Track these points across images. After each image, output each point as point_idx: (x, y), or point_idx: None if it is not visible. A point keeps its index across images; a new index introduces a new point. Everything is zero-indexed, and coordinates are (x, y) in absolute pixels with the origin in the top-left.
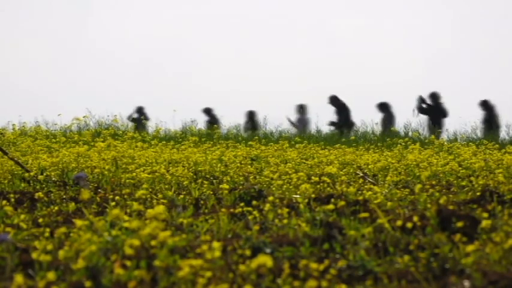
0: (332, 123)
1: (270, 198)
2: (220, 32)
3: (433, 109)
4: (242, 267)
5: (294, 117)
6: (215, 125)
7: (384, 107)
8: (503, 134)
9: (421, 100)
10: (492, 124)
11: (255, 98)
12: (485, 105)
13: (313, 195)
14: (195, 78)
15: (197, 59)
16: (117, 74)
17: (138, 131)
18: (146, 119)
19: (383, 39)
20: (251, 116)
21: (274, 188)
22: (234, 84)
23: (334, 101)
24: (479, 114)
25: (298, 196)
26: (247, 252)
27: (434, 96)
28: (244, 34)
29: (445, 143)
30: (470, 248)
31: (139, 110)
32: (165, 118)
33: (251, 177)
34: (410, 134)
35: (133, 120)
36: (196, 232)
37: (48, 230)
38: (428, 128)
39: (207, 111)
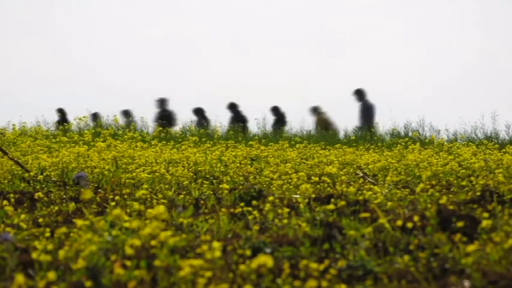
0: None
1: (270, 198)
2: (219, 27)
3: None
4: (242, 267)
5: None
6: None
7: (232, 107)
8: (503, 134)
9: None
10: (281, 126)
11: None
12: (276, 111)
13: (313, 195)
14: (195, 78)
15: (197, 58)
16: (117, 73)
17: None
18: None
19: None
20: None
21: (274, 188)
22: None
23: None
24: (271, 118)
25: (298, 196)
26: (247, 252)
27: (233, 105)
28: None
29: (445, 143)
30: (470, 248)
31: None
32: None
33: (251, 177)
34: (410, 134)
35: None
36: (196, 232)
37: (48, 230)
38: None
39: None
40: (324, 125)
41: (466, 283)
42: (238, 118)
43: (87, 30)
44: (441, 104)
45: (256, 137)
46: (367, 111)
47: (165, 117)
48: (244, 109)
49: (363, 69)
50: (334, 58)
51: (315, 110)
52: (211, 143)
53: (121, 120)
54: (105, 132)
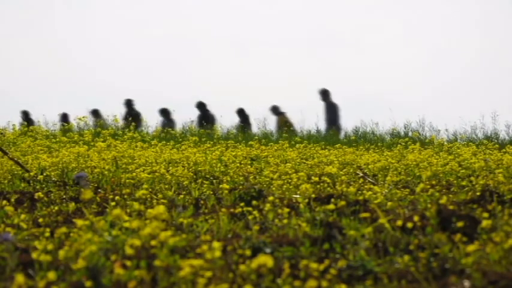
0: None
1: (270, 198)
2: (219, 27)
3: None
4: (242, 267)
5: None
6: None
7: (200, 106)
8: (503, 134)
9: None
10: (246, 128)
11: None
12: (241, 113)
13: (313, 195)
14: (195, 78)
15: (197, 58)
16: (117, 73)
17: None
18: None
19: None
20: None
21: (274, 188)
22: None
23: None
24: (235, 120)
25: (298, 196)
26: (247, 252)
27: (200, 105)
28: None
29: (445, 143)
30: (470, 248)
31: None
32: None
33: (251, 177)
34: (410, 134)
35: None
36: (196, 232)
37: (48, 230)
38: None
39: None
40: (284, 125)
41: (466, 283)
42: (205, 117)
43: (87, 30)
44: (441, 104)
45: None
46: (330, 111)
47: (132, 117)
48: (212, 108)
49: (363, 69)
50: (334, 58)
51: (275, 110)
52: (211, 143)
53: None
54: (105, 132)
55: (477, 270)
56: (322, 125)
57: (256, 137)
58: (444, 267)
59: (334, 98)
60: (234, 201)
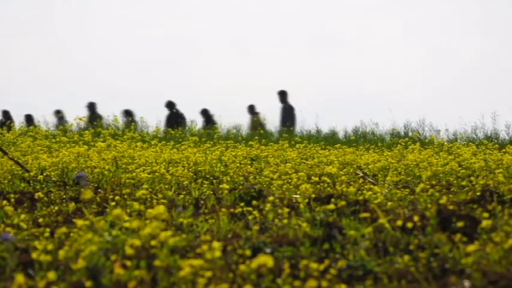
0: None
1: (270, 198)
2: (219, 27)
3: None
4: (242, 267)
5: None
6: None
7: (127, 113)
8: (503, 134)
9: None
10: (210, 128)
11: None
12: (205, 113)
13: (313, 195)
14: (195, 78)
15: (197, 58)
16: (117, 73)
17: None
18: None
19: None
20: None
21: (274, 188)
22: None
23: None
24: (200, 121)
25: (298, 196)
26: (247, 252)
27: (169, 104)
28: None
29: (445, 143)
30: (470, 248)
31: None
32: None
33: (251, 177)
34: (410, 134)
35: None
36: (196, 232)
37: (48, 230)
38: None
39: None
40: (256, 125)
41: (466, 283)
42: (174, 117)
43: (87, 30)
44: (441, 104)
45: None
46: (287, 113)
47: (94, 120)
48: (181, 108)
49: (363, 69)
50: (334, 58)
51: (251, 109)
52: (211, 143)
53: (121, 120)
54: (105, 132)
55: (477, 270)
56: (280, 126)
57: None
58: (444, 267)
59: (291, 101)
60: (234, 201)
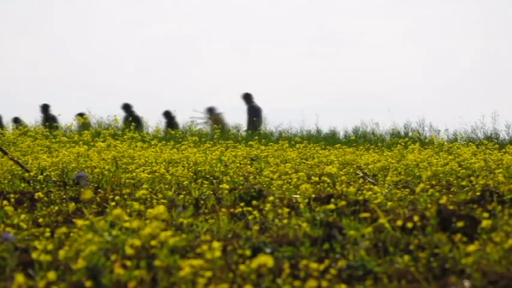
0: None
1: (270, 198)
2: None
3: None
4: (242, 267)
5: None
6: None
7: (126, 108)
8: (503, 134)
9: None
10: (172, 129)
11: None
12: (167, 115)
13: (313, 195)
14: (195, 78)
15: (197, 58)
16: (117, 73)
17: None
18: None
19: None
20: (127, 107)
21: (274, 188)
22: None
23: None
24: (163, 122)
25: (298, 196)
26: (247, 252)
27: (126, 106)
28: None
29: (445, 143)
30: (470, 248)
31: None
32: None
33: (251, 177)
34: (410, 134)
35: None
36: (196, 232)
37: (48, 230)
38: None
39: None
40: (216, 124)
41: (466, 283)
42: (131, 118)
43: (87, 30)
44: (441, 104)
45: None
46: (253, 114)
47: (49, 121)
48: (136, 109)
49: (363, 69)
50: (334, 58)
51: (211, 111)
52: (211, 143)
53: (121, 115)
54: (105, 132)
55: (477, 270)
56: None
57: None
58: (444, 267)
59: (257, 102)
60: (234, 201)
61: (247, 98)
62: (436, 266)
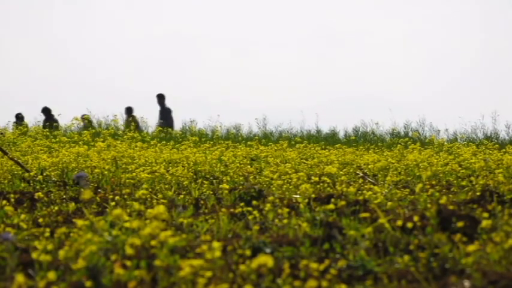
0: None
1: (270, 198)
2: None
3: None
4: (242, 267)
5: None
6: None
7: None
8: (503, 134)
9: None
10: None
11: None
12: (46, 112)
13: (313, 195)
14: (195, 78)
15: (197, 58)
16: (118, 73)
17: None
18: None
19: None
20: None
21: (274, 188)
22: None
23: (45, 110)
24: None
25: (298, 196)
26: (247, 252)
27: (45, 110)
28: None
29: (445, 143)
30: (470, 248)
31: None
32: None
33: (251, 177)
34: (410, 134)
35: None
36: (196, 232)
37: (48, 230)
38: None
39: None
40: (130, 123)
41: (466, 283)
42: (50, 121)
43: (87, 30)
44: (441, 104)
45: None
46: (165, 115)
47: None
48: (55, 113)
49: (363, 69)
50: (334, 58)
51: (128, 111)
52: (211, 143)
53: (123, 118)
54: (105, 132)
55: (477, 270)
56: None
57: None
58: (444, 267)
59: (168, 103)
60: (234, 201)
61: (160, 99)
62: (436, 266)
